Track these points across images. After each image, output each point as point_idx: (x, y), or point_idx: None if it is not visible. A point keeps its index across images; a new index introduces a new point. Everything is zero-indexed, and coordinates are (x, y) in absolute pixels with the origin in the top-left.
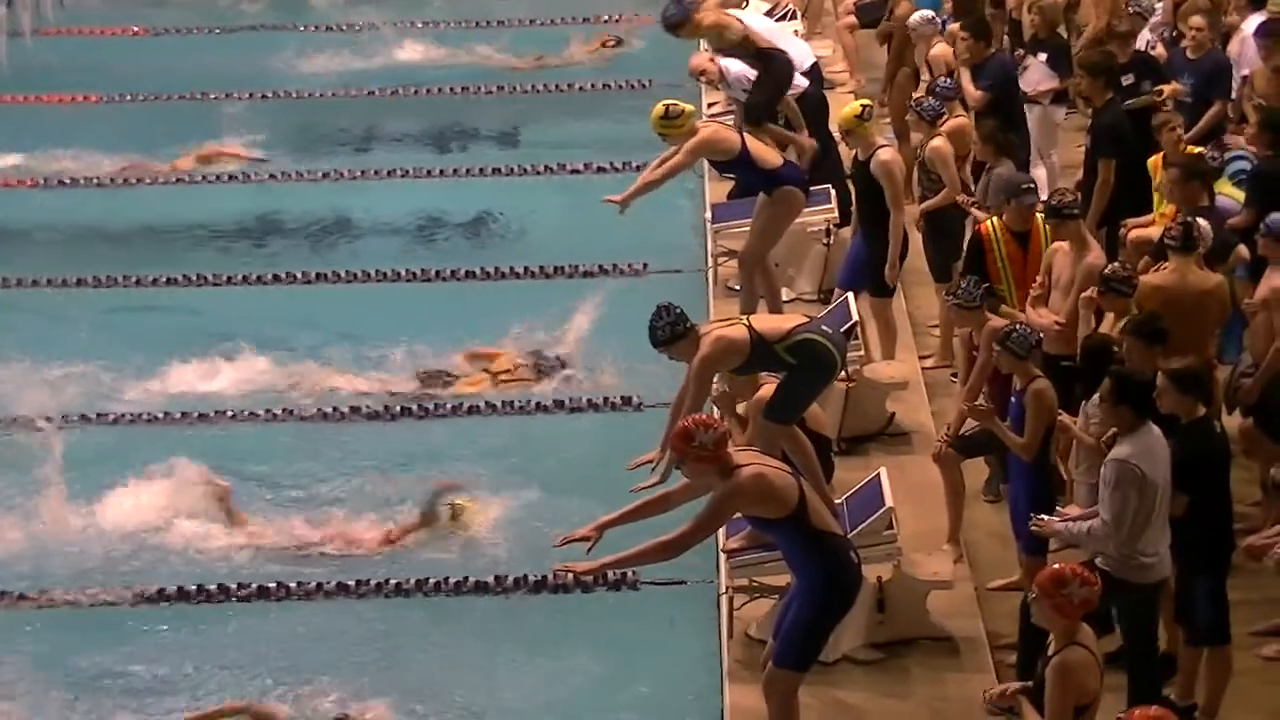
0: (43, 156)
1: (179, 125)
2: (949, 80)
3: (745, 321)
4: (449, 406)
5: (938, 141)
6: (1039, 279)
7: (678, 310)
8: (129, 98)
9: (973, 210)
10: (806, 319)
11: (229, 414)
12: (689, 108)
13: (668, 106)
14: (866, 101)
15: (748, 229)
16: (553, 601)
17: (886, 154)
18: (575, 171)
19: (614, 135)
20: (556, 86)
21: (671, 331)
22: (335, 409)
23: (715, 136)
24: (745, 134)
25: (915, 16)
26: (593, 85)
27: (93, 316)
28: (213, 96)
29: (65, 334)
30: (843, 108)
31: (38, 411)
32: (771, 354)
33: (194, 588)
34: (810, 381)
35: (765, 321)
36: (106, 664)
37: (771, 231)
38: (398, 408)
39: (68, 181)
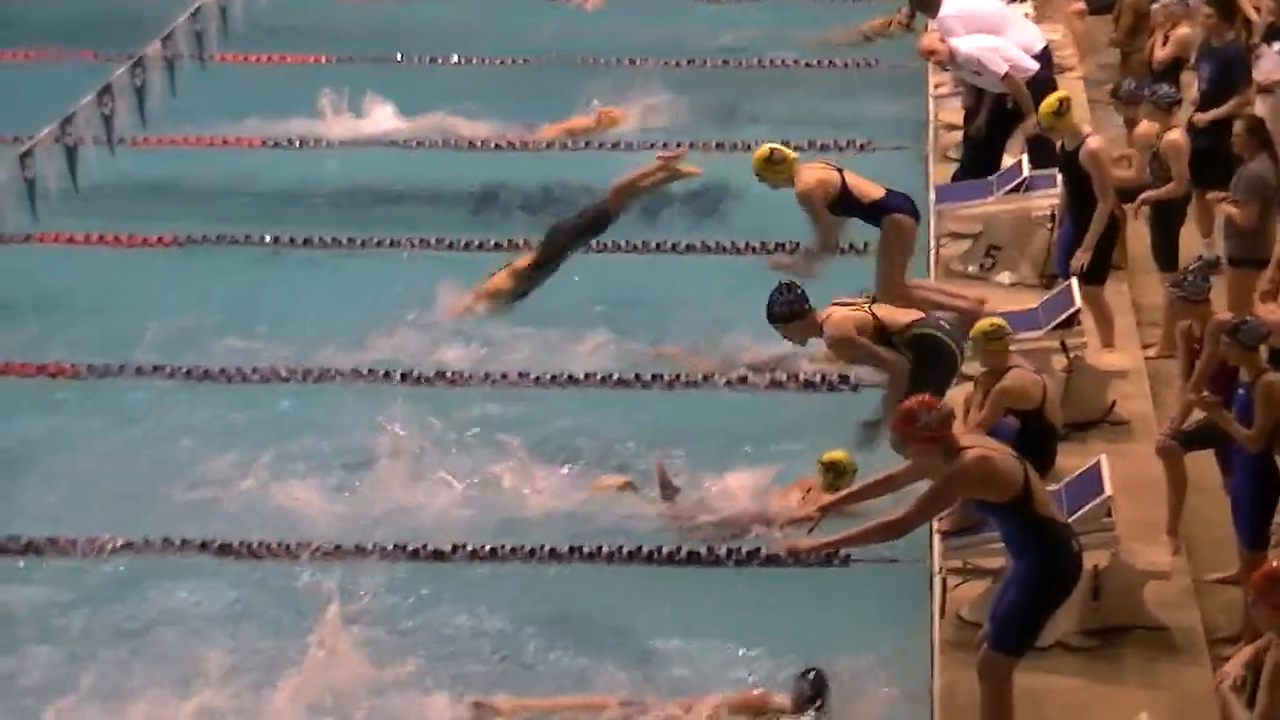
0: (274, 116)
1: (408, 87)
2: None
3: (868, 307)
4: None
5: (1174, 135)
6: (1270, 274)
7: (800, 290)
8: (357, 59)
9: (1224, 206)
10: (926, 314)
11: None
12: (792, 155)
13: (772, 150)
14: (1064, 94)
15: (973, 212)
16: (761, 576)
17: (1095, 143)
18: (799, 148)
19: (832, 112)
20: (783, 62)
21: (790, 310)
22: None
23: (814, 186)
24: (844, 172)
25: None
26: (818, 62)
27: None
28: (440, 60)
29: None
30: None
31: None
32: (889, 344)
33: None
34: (929, 377)
35: (887, 311)
36: (598, 616)
37: (894, 263)
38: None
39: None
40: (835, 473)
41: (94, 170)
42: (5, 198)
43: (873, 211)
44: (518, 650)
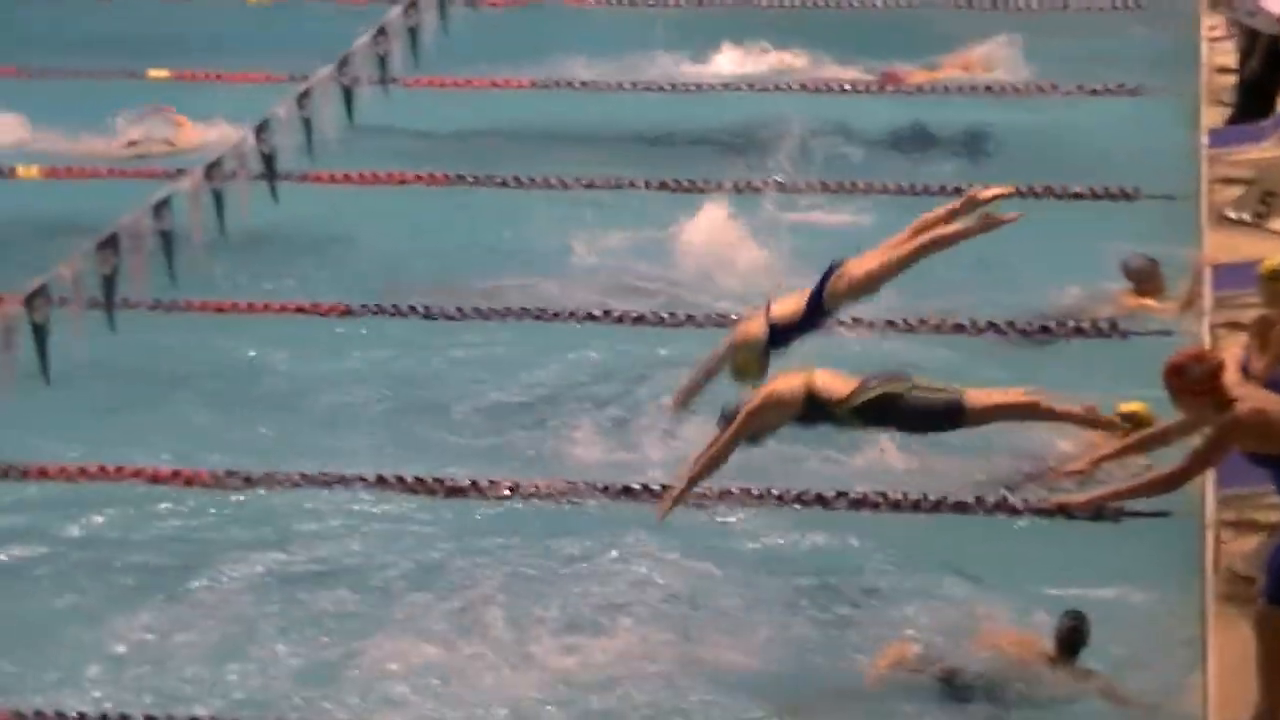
0: (544, 57)
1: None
2: None
3: (806, 376)
4: None
5: None
6: None
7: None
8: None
9: None
10: (865, 377)
11: None
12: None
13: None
14: None
15: (1246, 157)
16: (1027, 528)
17: None
18: (1069, 93)
19: (1099, 50)
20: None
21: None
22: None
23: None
24: (767, 309)
25: None
26: (1088, 7)
27: None
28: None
29: None
30: None
31: None
32: (830, 414)
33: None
34: (912, 418)
35: (827, 380)
36: (872, 563)
37: (875, 263)
38: None
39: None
40: (1133, 424)
41: (369, 111)
42: (284, 136)
43: (811, 318)
44: (796, 597)
